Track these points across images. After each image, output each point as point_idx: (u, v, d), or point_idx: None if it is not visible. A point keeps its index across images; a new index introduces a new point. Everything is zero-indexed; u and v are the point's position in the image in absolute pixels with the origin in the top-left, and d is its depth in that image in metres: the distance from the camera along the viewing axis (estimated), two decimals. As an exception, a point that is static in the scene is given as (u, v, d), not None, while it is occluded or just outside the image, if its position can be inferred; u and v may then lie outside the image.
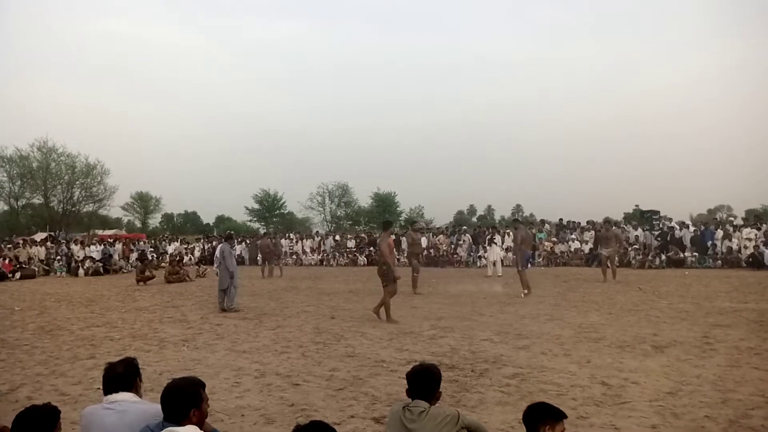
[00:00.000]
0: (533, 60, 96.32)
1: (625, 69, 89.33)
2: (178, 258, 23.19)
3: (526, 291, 13.15)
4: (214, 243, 31.14)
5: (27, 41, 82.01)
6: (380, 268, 10.25)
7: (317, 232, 37.10)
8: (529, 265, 15.74)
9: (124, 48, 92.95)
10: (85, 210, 44.66)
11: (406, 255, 19.07)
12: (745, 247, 20.84)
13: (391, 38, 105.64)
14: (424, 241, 27.23)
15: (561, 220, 27.66)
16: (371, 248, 28.55)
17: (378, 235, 30.25)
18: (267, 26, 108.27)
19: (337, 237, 32.08)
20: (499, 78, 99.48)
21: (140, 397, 3.07)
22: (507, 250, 24.47)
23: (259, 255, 24.15)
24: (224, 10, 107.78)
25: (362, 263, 27.32)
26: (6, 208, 43.35)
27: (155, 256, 28.28)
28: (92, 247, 26.22)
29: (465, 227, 34.19)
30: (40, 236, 32.36)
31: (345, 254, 28.80)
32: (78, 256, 24.99)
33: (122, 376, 2.97)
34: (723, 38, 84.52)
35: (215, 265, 12.52)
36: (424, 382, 3.08)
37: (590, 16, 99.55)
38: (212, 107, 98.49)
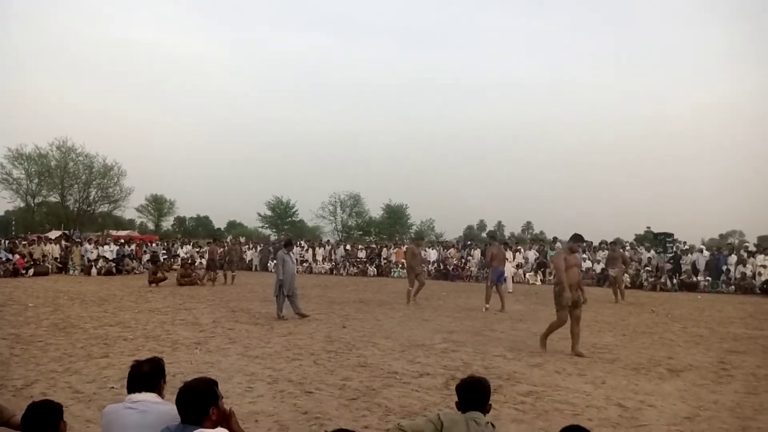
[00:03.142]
0: (548, 82, 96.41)
1: (639, 93, 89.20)
2: (190, 261, 23.27)
3: (487, 306, 13.45)
4: (226, 247, 31.31)
5: (51, 45, 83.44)
6: (554, 289, 8.50)
7: (328, 241, 37.15)
8: (505, 282, 15.46)
9: (143, 55, 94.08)
10: (99, 210, 45.09)
11: (405, 268, 18.96)
12: (760, 274, 20.60)
13: (409, 55, 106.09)
14: (433, 254, 27.24)
15: (573, 238, 27.46)
16: (382, 259, 28.60)
17: (387, 246, 30.35)
18: (284, 39, 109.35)
19: (348, 247, 32.11)
20: (514, 98, 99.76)
21: (162, 398, 3.07)
22: (518, 266, 24.40)
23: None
24: (243, 20, 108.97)
25: (372, 273, 27.31)
26: (22, 205, 43.86)
27: (167, 258, 28.44)
28: (106, 247, 26.38)
29: (474, 242, 34.06)
30: (54, 234, 32.65)
31: (355, 264, 28.80)
32: (91, 255, 25.17)
33: (148, 375, 2.99)
34: (737, 64, 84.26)
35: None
36: (478, 394, 3.04)
37: (605, 42, 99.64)
38: (229, 114, 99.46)
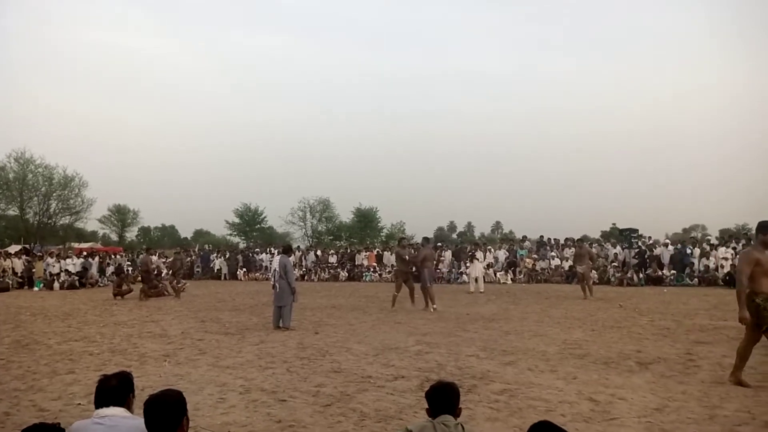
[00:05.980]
0: (514, 76, 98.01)
1: (604, 87, 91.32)
2: (156, 272, 22.78)
3: (435, 306, 13.72)
4: (192, 257, 30.89)
5: (10, 49, 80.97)
6: (752, 302, 5.93)
7: (298, 247, 36.87)
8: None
9: (105, 58, 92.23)
10: (61, 222, 43.93)
11: (392, 272, 18.97)
12: (722, 266, 21.21)
13: (374, 53, 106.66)
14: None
15: (542, 237, 27.88)
16: (352, 263, 28.53)
17: (359, 250, 30.28)
18: (250, 39, 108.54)
19: (318, 252, 31.94)
20: (480, 94, 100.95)
21: (132, 412, 2.99)
22: (488, 266, 24.60)
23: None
24: (209, 21, 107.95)
25: (343, 278, 27.23)
26: (-21, 219, 42.48)
27: (132, 269, 27.84)
28: (68, 261, 25.71)
29: (444, 243, 34.26)
30: (14, 249, 31.68)
31: (326, 269, 28.66)
32: (53, 269, 24.50)
33: (115, 390, 2.91)
34: (701, 60, 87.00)
35: (272, 279, 11.60)
36: (447, 398, 3.03)
37: (571, 34, 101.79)
38: (193, 119, 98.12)
